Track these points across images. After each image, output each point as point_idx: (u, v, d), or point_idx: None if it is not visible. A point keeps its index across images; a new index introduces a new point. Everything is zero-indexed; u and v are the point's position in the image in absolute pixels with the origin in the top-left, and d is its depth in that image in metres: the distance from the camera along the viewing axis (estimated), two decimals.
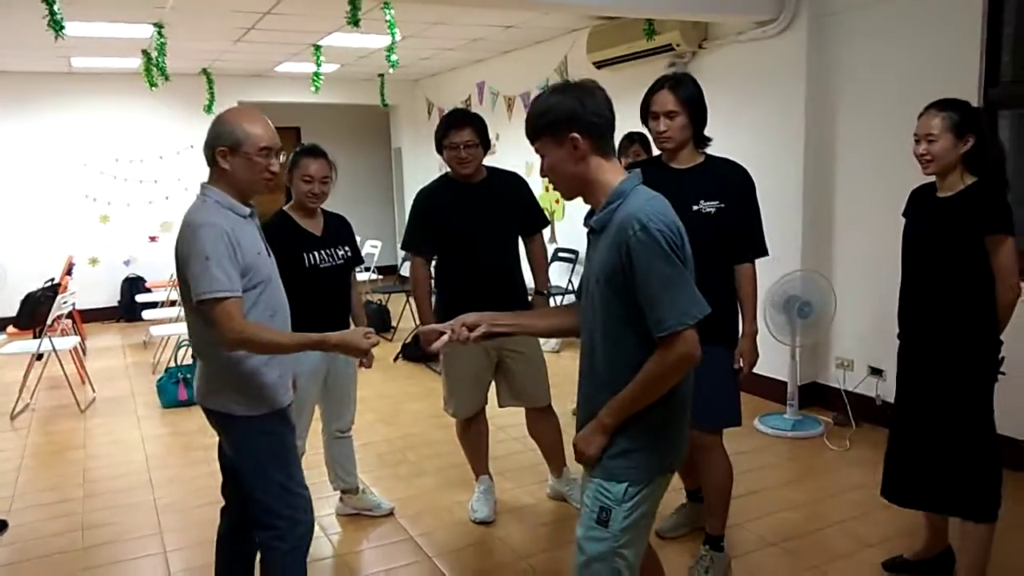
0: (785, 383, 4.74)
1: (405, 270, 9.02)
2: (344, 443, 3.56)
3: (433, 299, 3.39)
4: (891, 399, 4.34)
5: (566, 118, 1.81)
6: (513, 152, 7.50)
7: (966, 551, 2.68)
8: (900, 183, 4.26)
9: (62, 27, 4.25)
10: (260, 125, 2.22)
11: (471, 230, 3.22)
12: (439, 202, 3.30)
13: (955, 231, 2.55)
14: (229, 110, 2.30)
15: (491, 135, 3.41)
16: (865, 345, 4.63)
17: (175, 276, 7.68)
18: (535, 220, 3.50)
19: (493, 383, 3.47)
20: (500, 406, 3.50)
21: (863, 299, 4.60)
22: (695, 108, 2.71)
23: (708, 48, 5.42)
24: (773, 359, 4.85)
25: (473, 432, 3.54)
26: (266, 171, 2.24)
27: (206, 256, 2.11)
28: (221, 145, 2.19)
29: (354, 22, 4.32)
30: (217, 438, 2.51)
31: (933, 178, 2.68)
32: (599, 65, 6.23)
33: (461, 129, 3.18)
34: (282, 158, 2.32)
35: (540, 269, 3.52)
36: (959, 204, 2.57)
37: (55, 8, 4.18)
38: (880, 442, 4.23)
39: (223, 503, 2.62)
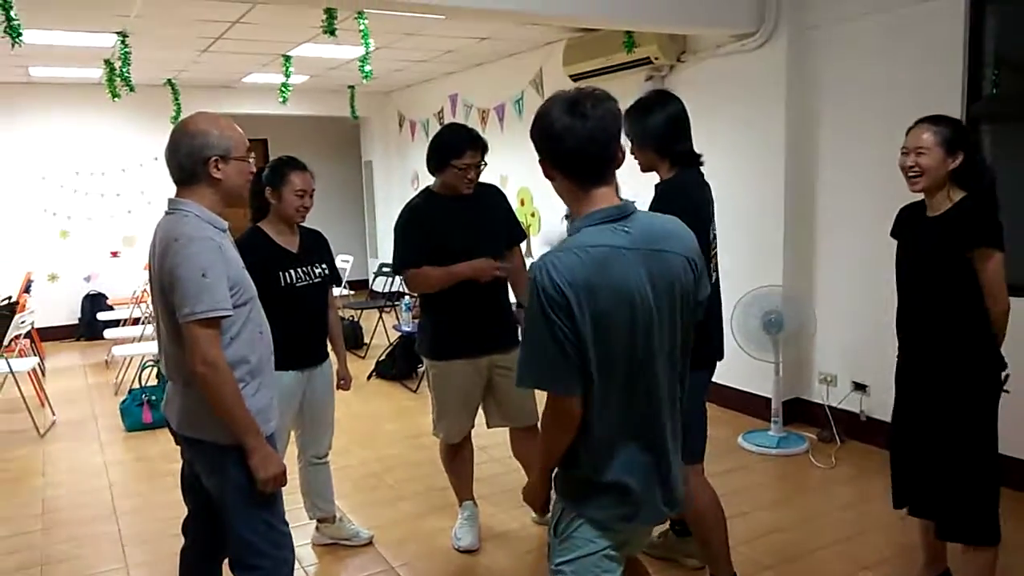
0: (768, 399, 4.68)
1: (377, 285, 8.86)
2: (321, 469, 3.40)
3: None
4: (875, 415, 4.37)
5: (536, 138, 1.71)
6: (489, 166, 7.40)
7: (967, 574, 2.62)
8: (882, 198, 4.25)
9: (19, 34, 4.06)
10: (234, 126, 2.17)
11: (463, 245, 3.09)
12: (429, 218, 3.16)
13: (948, 248, 2.50)
14: (196, 118, 2.16)
15: None
16: (848, 360, 4.59)
17: (139, 293, 7.54)
18: (515, 233, 3.40)
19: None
20: (489, 427, 3.38)
21: (846, 314, 4.57)
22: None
23: (686, 61, 5.38)
24: (756, 375, 4.81)
25: (460, 457, 3.41)
26: (249, 173, 2.19)
27: (203, 272, 1.99)
28: (214, 154, 2.09)
29: (330, 31, 4.20)
30: (181, 463, 2.37)
31: (920, 196, 2.63)
32: (575, 78, 6.16)
33: (477, 151, 3.11)
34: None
35: (522, 282, 3.42)
36: (949, 221, 2.52)
37: (12, 15, 3.99)
38: (865, 458, 4.23)
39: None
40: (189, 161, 2.09)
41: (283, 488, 2.22)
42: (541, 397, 3.54)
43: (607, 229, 1.65)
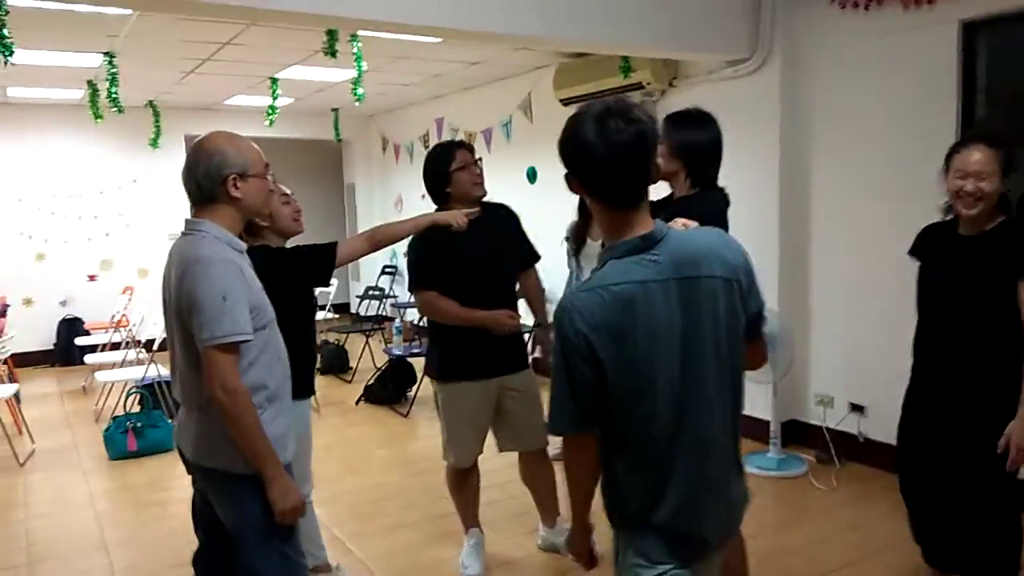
0: (765, 421, 4.68)
1: (363, 309, 8.76)
2: (310, 510, 3.09)
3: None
4: (874, 436, 4.37)
5: (563, 155, 1.61)
6: None
7: None
8: (877, 221, 4.32)
9: (11, 52, 3.94)
10: (252, 144, 2.16)
11: (477, 264, 3.07)
12: (440, 234, 3.12)
13: (982, 273, 2.41)
14: (212, 136, 2.13)
15: None
16: (845, 382, 4.60)
17: (117, 317, 7.35)
18: (529, 253, 3.39)
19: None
20: (500, 451, 3.34)
21: (842, 335, 4.59)
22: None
23: (678, 87, 5.43)
24: (753, 396, 4.80)
25: (468, 482, 3.35)
26: (269, 189, 2.18)
27: (223, 295, 1.95)
28: (232, 172, 2.06)
29: (331, 53, 4.17)
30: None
31: (939, 216, 2.62)
32: (566, 103, 6.19)
33: (465, 150, 3.14)
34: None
35: (537, 301, 3.44)
36: (987, 244, 2.43)
37: (4, 32, 3.88)
38: (866, 480, 4.23)
39: (191, 567, 2.37)
40: (207, 180, 2.06)
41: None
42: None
43: (633, 262, 1.55)
